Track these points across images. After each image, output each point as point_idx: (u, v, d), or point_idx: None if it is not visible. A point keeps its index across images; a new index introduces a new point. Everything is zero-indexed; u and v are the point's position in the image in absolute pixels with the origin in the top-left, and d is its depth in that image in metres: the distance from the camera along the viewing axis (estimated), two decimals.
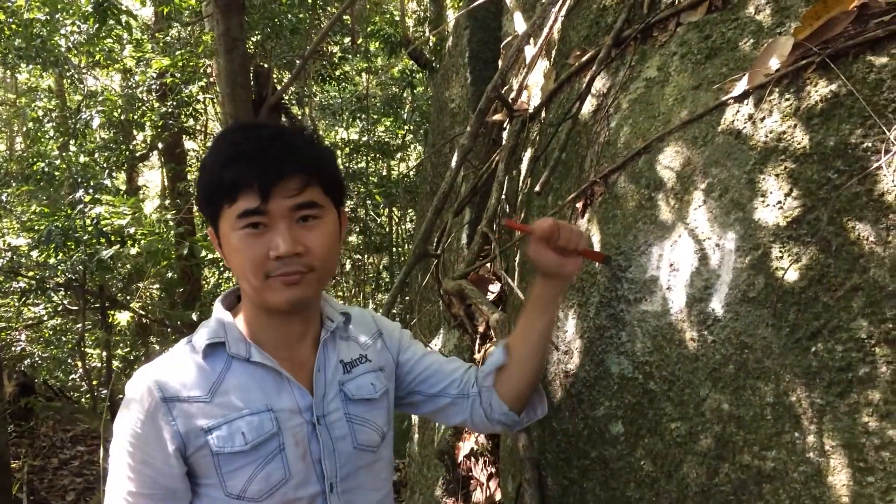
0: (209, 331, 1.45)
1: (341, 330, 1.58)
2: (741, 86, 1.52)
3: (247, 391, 1.41)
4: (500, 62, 2.96)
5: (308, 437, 1.44)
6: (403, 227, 14.14)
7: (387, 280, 13.57)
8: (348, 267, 13.46)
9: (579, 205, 1.88)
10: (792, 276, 1.31)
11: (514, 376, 1.62)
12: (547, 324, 1.62)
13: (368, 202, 11.57)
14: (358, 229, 11.89)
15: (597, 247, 1.74)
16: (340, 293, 14.05)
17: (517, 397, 1.63)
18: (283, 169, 1.35)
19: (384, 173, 13.56)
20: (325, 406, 1.48)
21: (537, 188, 1.98)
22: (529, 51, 2.58)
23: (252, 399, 1.41)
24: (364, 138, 12.61)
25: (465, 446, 2.96)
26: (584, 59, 2.10)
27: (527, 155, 2.51)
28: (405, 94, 12.07)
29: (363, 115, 12.38)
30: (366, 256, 13.38)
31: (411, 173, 12.59)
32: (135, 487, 1.37)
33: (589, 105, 2.02)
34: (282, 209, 1.34)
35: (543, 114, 2.40)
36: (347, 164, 12.78)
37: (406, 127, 12.49)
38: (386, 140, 12.66)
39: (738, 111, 1.51)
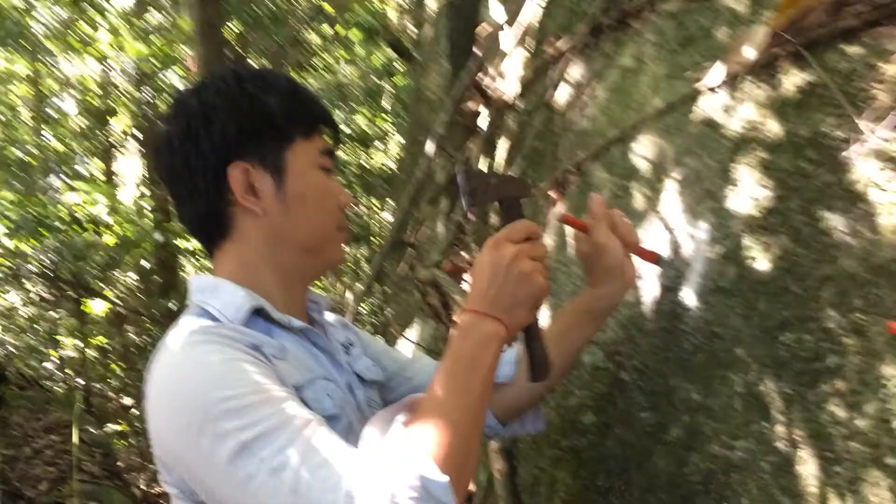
0: (238, 297, 1.15)
1: (323, 313, 1.37)
2: (716, 75, 1.51)
3: (302, 358, 1.18)
4: (476, 50, 2.94)
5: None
6: (382, 216, 14.10)
7: (366, 271, 13.52)
8: None
9: (553, 194, 1.86)
10: (762, 265, 1.31)
11: (517, 392, 1.41)
12: (585, 341, 1.40)
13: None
14: None
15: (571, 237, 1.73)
16: (320, 282, 13.99)
17: (510, 411, 1.43)
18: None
19: (363, 163, 13.50)
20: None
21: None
22: (506, 38, 2.56)
23: (311, 365, 1.19)
24: (343, 128, 12.54)
25: None
26: (560, 47, 2.08)
27: (502, 143, 2.49)
28: (385, 84, 12.00)
29: (343, 105, 12.31)
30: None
31: (391, 163, 12.54)
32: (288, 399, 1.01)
33: (564, 94, 2.01)
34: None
35: (519, 102, 2.38)
36: None
37: (385, 117, 12.43)
38: (365, 130, 12.59)
39: (712, 100, 1.50)
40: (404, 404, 1.06)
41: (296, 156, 1.20)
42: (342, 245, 1.28)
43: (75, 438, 6.12)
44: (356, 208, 12.68)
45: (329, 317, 1.40)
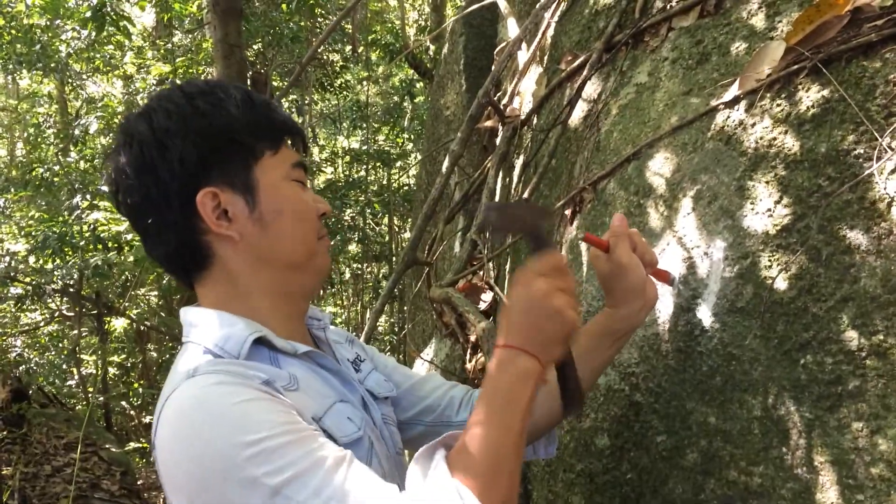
0: (237, 329, 1.10)
1: (327, 330, 1.34)
2: (732, 91, 1.49)
3: (314, 384, 1.14)
4: (493, 68, 2.93)
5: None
6: (402, 236, 14.12)
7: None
8: (347, 276, 13.42)
9: (568, 212, 1.84)
10: (781, 285, 1.27)
11: (536, 419, 1.31)
12: (605, 364, 1.38)
13: (368, 211, 11.54)
14: (357, 238, 11.86)
15: (584, 255, 1.70)
16: (340, 302, 14.02)
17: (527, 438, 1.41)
18: None
19: (384, 182, 13.55)
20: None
21: (525, 195, 1.95)
22: (522, 56, 2.55)
23: (324, 391, 1.15)
24: (364, 147, 12.61)
25: None
26: (576, 64, 2.07)
27: (519, 161, 2.47)
28: (405, 104, 12.07)
29: (364, 124, 12.38)
30: (364, 265, 13.34)
31: (411, 182, 12.58)
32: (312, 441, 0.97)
33: (579, 111, 1.99)
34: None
35: (535, 120, 2.36)
36: (348, 173, 12.76)
37: (405, 136, 12.48)
38: (386, 149, 12.66)
39: (728, 117, 1.47)
40: (443, 441, 1.04)
41: (265, 172, 1.14)
42: (326, 252, 1.24)
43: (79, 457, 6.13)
44: (378, 227, 12.70)
45: (333, 333, 1.37)
